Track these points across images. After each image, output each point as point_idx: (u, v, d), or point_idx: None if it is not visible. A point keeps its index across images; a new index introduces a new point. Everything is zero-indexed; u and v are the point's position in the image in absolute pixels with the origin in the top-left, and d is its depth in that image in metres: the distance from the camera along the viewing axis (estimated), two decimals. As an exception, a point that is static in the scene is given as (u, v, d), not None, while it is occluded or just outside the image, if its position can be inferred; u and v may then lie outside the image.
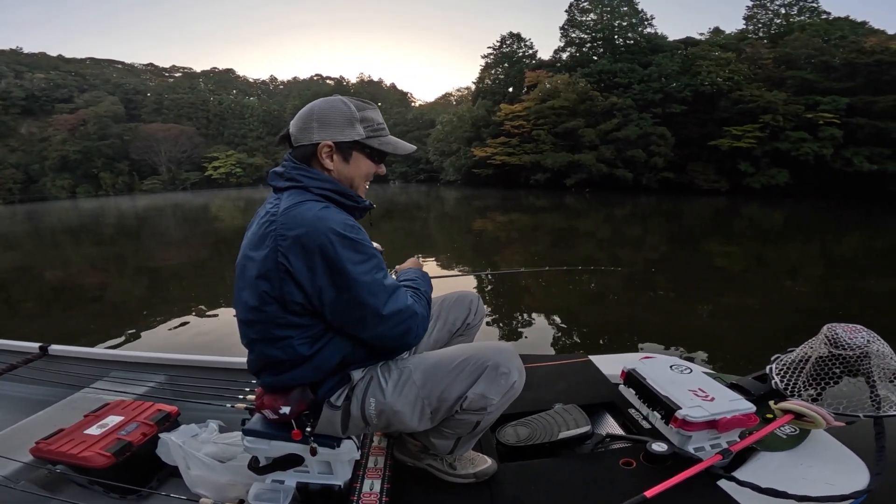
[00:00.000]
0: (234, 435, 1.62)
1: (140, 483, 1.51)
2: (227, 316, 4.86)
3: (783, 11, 35.75)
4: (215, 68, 72.79)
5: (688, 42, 35.53)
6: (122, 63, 67.49)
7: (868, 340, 1.39)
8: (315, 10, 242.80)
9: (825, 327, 1.53)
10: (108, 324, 4.94)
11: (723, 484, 1.22)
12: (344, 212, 1.09)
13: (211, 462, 1.43)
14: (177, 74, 69.12)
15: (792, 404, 1.39)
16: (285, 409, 1.11)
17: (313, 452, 1.17)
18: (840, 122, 24.47)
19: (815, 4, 35.20)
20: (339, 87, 61.61)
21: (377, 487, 1.30)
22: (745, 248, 9.45)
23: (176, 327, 4.61)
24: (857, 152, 24.14)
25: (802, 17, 34.62)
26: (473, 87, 44.62)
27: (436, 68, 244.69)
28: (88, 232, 15.91)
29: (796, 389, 1.49)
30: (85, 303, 6.16)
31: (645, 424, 1.51)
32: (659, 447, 1.31)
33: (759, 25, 36.51)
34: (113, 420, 1.66)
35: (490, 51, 41.19)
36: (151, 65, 69.52)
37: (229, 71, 73.70)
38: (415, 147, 1.27)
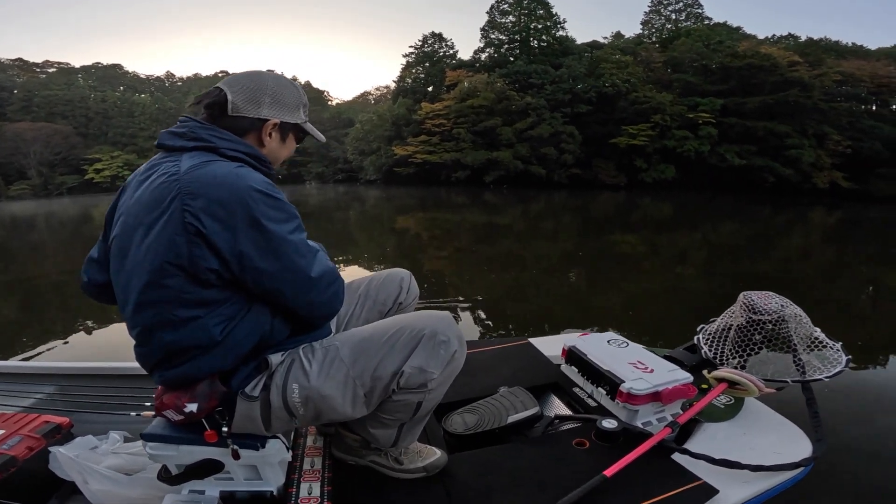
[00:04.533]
0: (139, 444, 1.44)
1: (35, 501, 1.32)
2: (120, 323, 4.29)
3: (673, 17, 39.60)
4: (98, 63, 64.28)
5: (593, 45, 38.29)
6: (-13, 59, 57.48)
7: (782, 305, 1.48)
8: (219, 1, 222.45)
9: (741, 295, 1.61)
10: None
11: (676, 457, 1.23)
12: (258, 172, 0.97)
13: (114, 475, 1.26)
14: (50, 70, 59.95)
15: (725, 373, 1.45)
16: (191, 407, 0.94)
17: (235, 456, 1.00)
18: (716, 122, 27.93)
19: (699, 10, 39.42)
20: (248, 83, 57.32)
21: (317, 491, 1.15)
22: (642, 237, 10.39)
23: (62, 337, 4.06)
24: (729, 149, 27.72)
25: (689, 23, 38.55)
26: (394, 85, 44.01)
27: (353, 66, 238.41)
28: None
29: (724, 358, 1.56)
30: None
31: (591, 402, 1.51)
32: (609, 424, 1.30)
33: (653, 30, 40.11)
34: None
35: (412, 50, 40.91)
36: (20, 59, 59.61)
37: (116, 66, 65.36)
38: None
